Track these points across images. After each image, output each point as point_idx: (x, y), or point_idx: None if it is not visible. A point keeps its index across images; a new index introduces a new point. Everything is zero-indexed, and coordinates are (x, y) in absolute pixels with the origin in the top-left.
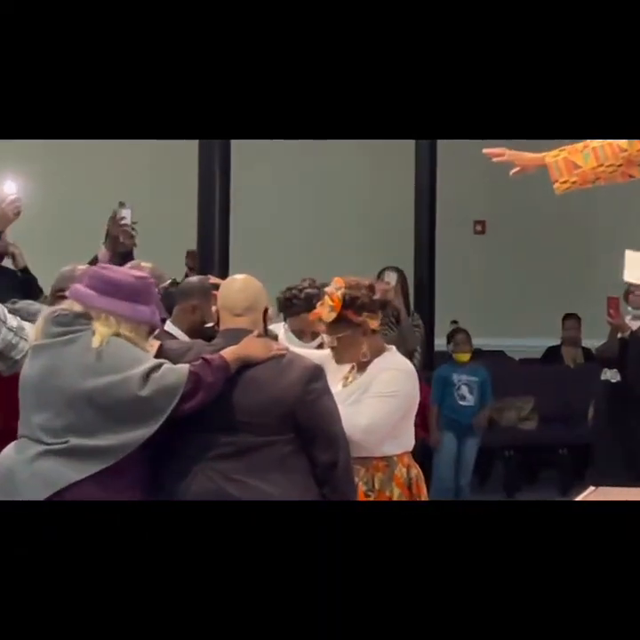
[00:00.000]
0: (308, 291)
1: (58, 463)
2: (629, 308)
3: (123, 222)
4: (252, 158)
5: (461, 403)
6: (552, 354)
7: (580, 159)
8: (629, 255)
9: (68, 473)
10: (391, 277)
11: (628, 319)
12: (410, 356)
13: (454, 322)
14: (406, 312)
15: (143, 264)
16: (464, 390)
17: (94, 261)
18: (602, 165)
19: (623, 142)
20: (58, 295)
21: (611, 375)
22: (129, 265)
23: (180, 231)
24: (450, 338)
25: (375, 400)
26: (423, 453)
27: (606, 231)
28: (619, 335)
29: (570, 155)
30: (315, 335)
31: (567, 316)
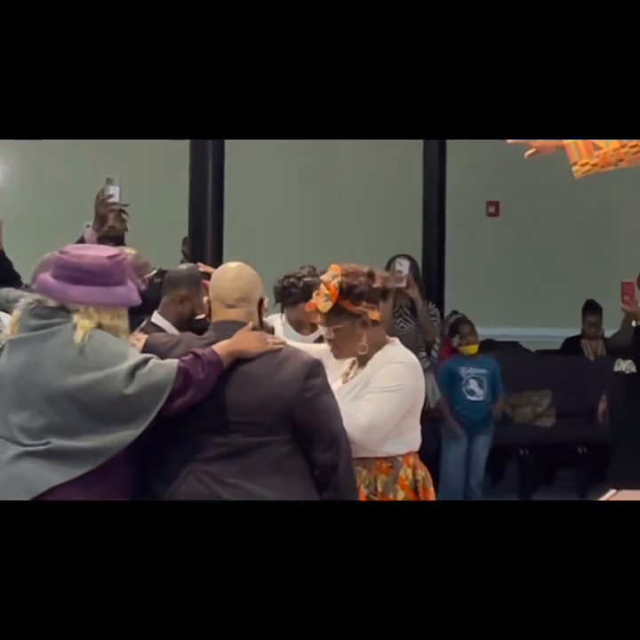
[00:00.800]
0: (307, 279)
1: (38, 466)
2: None
3: (110, 200)
4: (250, 143)
5: (470, 398)
6: (572, 345)
7: (601, 139)
8: None
9: (49, 476)
10: (403, 265)
11: None
12: (429, 347)
13: (455, 312)
14: (422, 300)
15: (128, 251)
16: (473, 384)
17: (81, 243)
18: (625, 146)
19: None
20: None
21: (626, 366)
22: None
23: (177, 217)
24: (453, 329)
25: (376, 395)
26: (431, 452)
27: (623, 213)
28: (633, 323)
29: None
30: (315, 327)
31: (588, 309)
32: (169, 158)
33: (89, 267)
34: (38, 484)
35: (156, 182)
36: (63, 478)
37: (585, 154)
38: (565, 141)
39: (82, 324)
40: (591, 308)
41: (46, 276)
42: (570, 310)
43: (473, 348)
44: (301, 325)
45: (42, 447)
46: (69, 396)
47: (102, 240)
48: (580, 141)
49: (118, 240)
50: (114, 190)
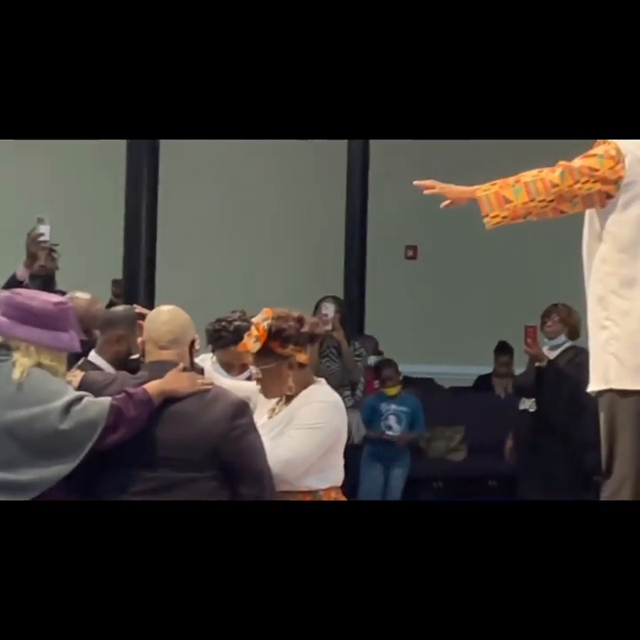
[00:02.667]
0: (238, 323)
1: None
2: (545, 339)
3: (41, 239)
4: (180, 186)
5: (388, 433)
6: (483, 383)
7: (511, 194)
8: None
9: None
10: (329, 309)
11: (545, 349)
12: (353, 387)
13: (380, 352)
14: (347, 342)
15: (79, 295)
16: (391, 420)
17: (12, 280)
18: (533, 200)
19: (555, 178)
20: None
21: (529, 405)
22: (68, 295)
23: (105, 258)
24: (377, 371)
25: (298, 432)
26: (348, 484)
27: (531, 261)
28: (536, 364)
29: (501, 189)
30: (243, 368)
31: (500, 349)
32: (102, 199)
33: (38, 310)
34: None
35: (89, 223)
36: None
37: (496, 206)
38: (478, 194)
39: (21, 362)
40: (503, 349)
41: None
42: (482, 349)
43: (394, 390)
44: (231, 367)
45: None
46: (8, 431)
47: (33, 278)
48: (491, 194)
49: (49, 278)
50: (44, 229)
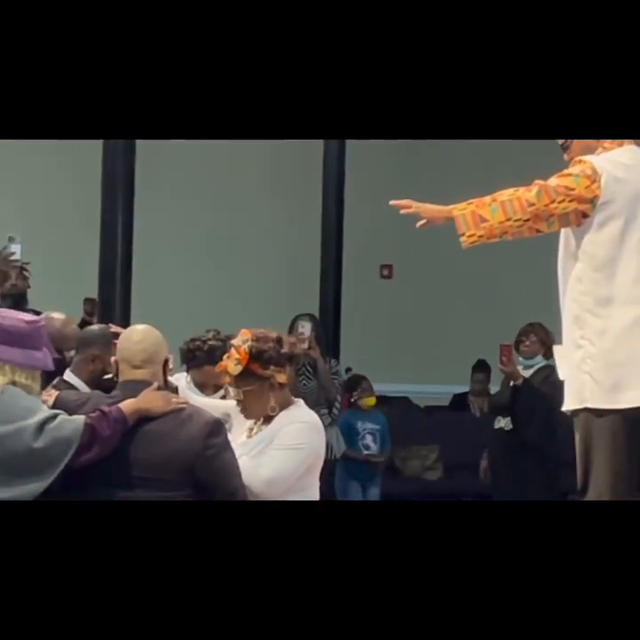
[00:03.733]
0: (212, 342)
1: None
2: (520, 359)
3: (12, 258)
4: (155, 204)
5: (366, 452)
6: (459, 402)
7: (488, 213)
8: (558, 349)
9: None
10: (305, 327)
11: (520, 367)
12: (331, 405)
13: (349, 369)
14: (323, 360)
15: (54, 315)
16: (368, 439)
17: None
18: (509, 219)
19: (531, 197)
20: None
21: (504, 423)
22: (43, 315)
23: (77, 276)
24: (353, 385)
25: (279, 452)
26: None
27: (506, 280)
28: (511, 383)
29: (477, 208)
30: (217, 388)
31: (477, 367)
32: (75, 215)
33: (10, 328)
34: None
35: (60, 239)
36: None
37: (472, 225)
38: (454, 213)
39: None
40: (480, 367)
41: None
42: (457, 368)
43: (371, 400)
44: (205, 386)
45: None
46: None
47: (5, 296)
48: (467, 213)
49: (21, 297)
50: (15, 248)
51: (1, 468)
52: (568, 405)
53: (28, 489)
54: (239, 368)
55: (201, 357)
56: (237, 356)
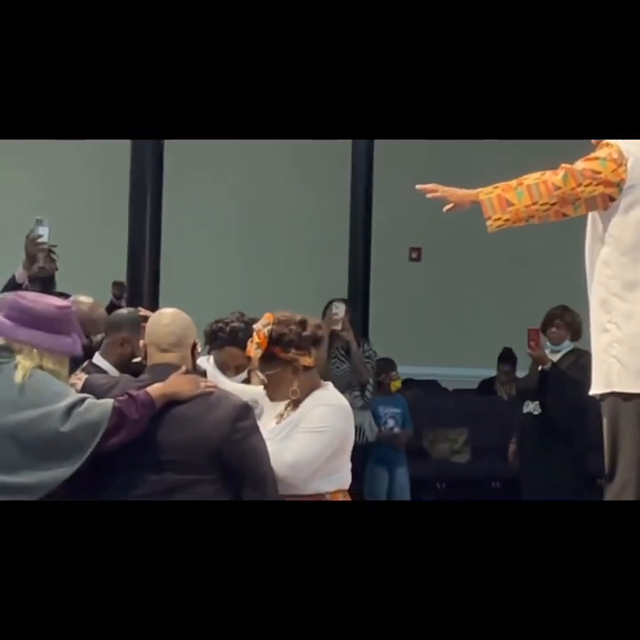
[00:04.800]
0: (234, 324)
1: None
2: (548, 343)
3: (39, 240)
4: (185, 187)
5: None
6: (487, 386)
7: (514, 196)
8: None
9: None
10: (339, 309)
11: (547, 351)
12: (363, 388)
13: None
14: (357, 344)
15: (82, 299)
16: (391, 423)
17: (11, 282)
18: (536, 203)
19: (558, 180)
20: None
21: (533, 408)
22: (71, 299)
23: (106, 259)
24: (379, 368)
25: (303, 436)
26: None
27: (537, 262)
28: (539, 367)
29: (503, 192)
30: (239, 369)
31: (503, 358)
32: (104, 199)
33: (40, 312)
34: None
35: (89, 223)
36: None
37: (498, 209)
38: (481, 197)
39: (23, 364)
40: (506, 358)
41: None
42: (486, 352)
43: (398, 383)
44: (226, 367)
45: None
46: (10, 433)
47: (33, 279)
48: (494, 197)
49: (49, 280)
50: (43, 231)
51: (29, 452)
52: (595, 389)
53: (56, 473)
54: (259, 352)
55: (223, 338)
56: (258, 339)
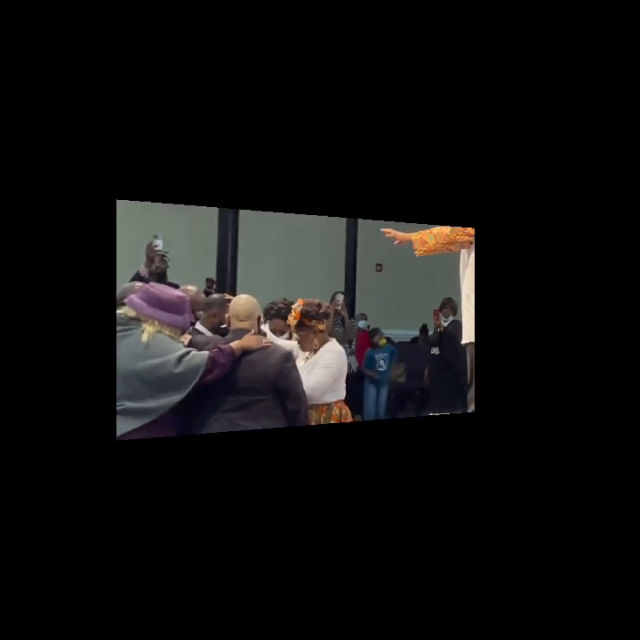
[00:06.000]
0: (280, 305)
1: (119, 420)
2: (442, 317)
3: (156, 248)
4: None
5: (379, 369)
6: (415, 340)
7: (428, 238)
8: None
9: (123, 426)
10: (340, 297)
11: (442, 321)
12: (350, 343)
13: (363, 315)
14: (348, 318)
15: (189, 287)
16: (380, 363)
17: (137, 275)
18: (438, 243)
19: (447, 231)
20: (120, 302)
21: (436, 351)
22: (182, 287)
23: (200, 263)
24: (372, 333)
25: (319, 370)
26: (357, 401)
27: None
28: (438, 329)
29: (422, 235)
30: (282, 333)
31: (422, 330)
32: (201, 226)
33: (163, 297)
34: (119, 431)
35: (190, 238)
36: (132, 427)
37: (420, 245)
38: (412, 237)
39: (148, 329)
40: (424, 328)
41: (135, 296)
42: (416, 322)
43: (383, 341)
44: (276, 331)
45: (119, 407)
46: (137, 375)
47: (151, 274)
48: (418, 239)
49: (162, 275)
50: (158, 242)
51: (152, 386)
52: (464, 340)
53: (170, 399)
54: (295, 322)
55: (273, 313)
56: (294, 314)
